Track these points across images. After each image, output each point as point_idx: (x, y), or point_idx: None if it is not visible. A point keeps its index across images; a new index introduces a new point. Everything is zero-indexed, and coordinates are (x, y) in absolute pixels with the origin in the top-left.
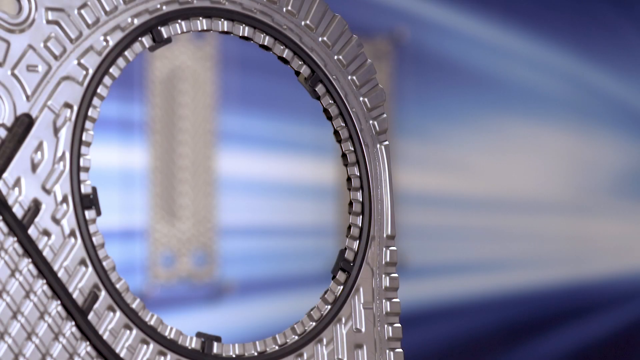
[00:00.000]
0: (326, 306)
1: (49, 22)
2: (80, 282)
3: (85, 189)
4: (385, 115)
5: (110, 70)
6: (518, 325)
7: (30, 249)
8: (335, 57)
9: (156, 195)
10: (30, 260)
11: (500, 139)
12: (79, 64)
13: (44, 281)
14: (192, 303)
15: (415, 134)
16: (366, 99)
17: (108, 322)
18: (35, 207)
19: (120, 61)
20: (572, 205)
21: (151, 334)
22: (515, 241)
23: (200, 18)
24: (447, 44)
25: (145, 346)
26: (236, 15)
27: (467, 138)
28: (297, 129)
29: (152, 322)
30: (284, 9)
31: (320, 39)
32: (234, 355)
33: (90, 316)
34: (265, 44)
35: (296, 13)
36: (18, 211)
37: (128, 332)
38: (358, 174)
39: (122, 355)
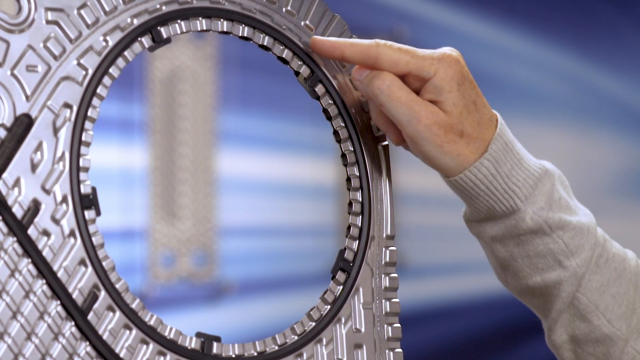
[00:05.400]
0: (326, 306)
1: (48, 22)
2: (80, 282)
3: (85, 189)
4: None
5: (110, 70)
6: (518, 325)
7: (29, 249)
8: None
9: (156, 195)
10: (29, 260)
11: None
12: (79, 64)
13: (44, 281)
14: (192, 303)
15: None
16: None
17: (108, 322)
18: (34, 207)
19: (120, 61)
20: None
21: (151, 334)
22: None
23: (200, 18)
24: (447, 44)
25: (144, 346)
26: (236, 16)
27: None
28: (297, 129)
29: (151, 322)
30: (284, 9)
31: None
32: (233, 355)
33: (90, 316)
34: (265, 44)
35: (295, 13)
36: (18, 211)
37: (128, 332)
38: (357, 174)
39: (121, 355)
